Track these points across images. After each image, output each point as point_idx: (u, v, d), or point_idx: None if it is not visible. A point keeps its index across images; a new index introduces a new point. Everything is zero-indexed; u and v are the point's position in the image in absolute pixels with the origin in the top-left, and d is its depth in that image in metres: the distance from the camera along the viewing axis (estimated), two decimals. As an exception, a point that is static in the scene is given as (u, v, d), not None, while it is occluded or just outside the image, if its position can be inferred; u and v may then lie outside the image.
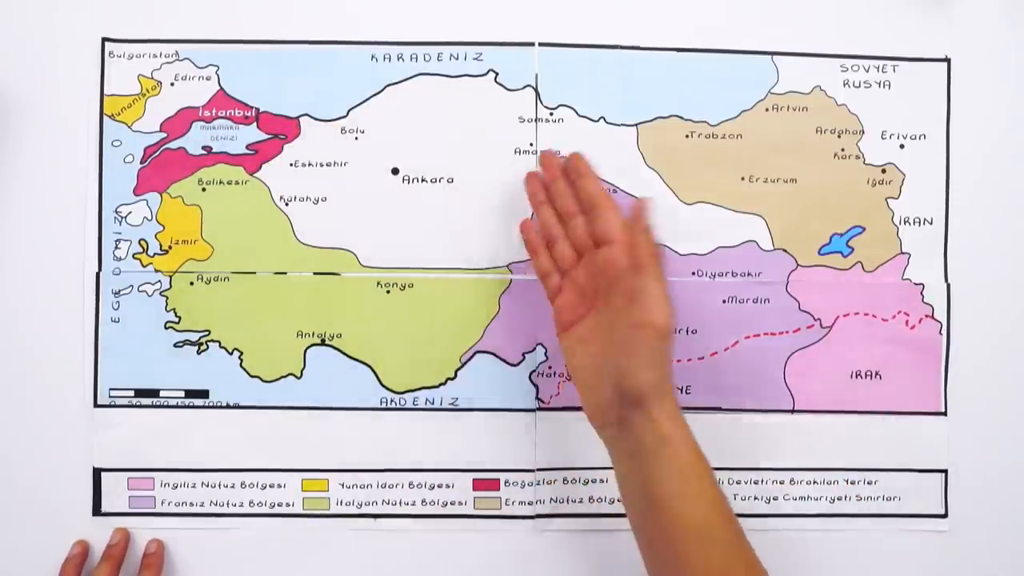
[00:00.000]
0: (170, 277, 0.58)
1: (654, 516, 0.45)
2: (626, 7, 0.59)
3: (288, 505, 0.58)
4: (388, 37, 0.58)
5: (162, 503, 0.58)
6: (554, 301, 0.52)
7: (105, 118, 0.58)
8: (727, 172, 0.59)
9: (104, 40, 0.58)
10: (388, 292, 0.58)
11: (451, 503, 0.58)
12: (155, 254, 0.58)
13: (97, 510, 0.58)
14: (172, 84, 0.58)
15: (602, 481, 0.58)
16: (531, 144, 0.58)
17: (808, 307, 0.58)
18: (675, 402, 0.47)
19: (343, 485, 0.58)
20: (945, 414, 0.59)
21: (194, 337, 0.58)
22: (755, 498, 0.58)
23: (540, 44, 0.58)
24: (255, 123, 0.58)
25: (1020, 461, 0.59)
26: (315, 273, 0.58)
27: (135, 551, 0.57)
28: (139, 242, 0.58)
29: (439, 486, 0.58)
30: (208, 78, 0.58)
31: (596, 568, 0.58)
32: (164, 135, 0.58)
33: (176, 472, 0.58)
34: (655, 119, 0.59)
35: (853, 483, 0.59)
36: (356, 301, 0.58)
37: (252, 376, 0.58)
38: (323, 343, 0.58)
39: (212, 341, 0.58)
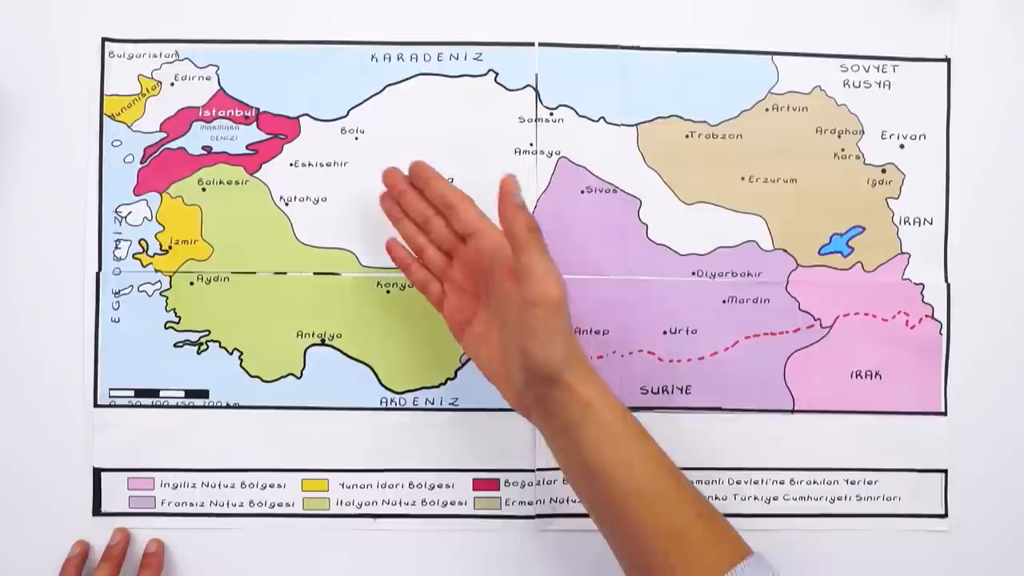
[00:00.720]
0: (170, 277, 0.58)
1: (596, 486, 0.44)
2: (626, 7, 0.59)
3: (288, 505, 0.58)
4: (388, 37, 0.58)
5: (162, 503, 0.58)
6: (441, 308, 0.52)
7: (105, 118, 0.58)
8: (727, 172, 0.59)
9: (104, 40, 0.58)
10: (388, 292, 0.58)
11: (451, 503, 0.58)
12: (155, 254, 0.58)
13: (97, 510, 0.58)
14: (172, 84, 0.58)
15: (602, 481, 0.58)
16: (531, 144, 0.58)
17: (808, 307, 0.58)
18: (590, 368, 0.46)
19: (343, 485, 0.58)
20: (945, 414, 0.59)
21: (194, 337, 0.58)
22: (755, 498, 0.58)
23: (540, 44, 0.58)
24: (255, 123, 0.58)
25: (1020, 461, 0.59)
26: (315, 273, 0.58)
27: (135, 551, 0.57)
28: (139, 242, 0.58)
29: (439, 486, 0.58)
30: (208, 78, 0.58)
31: (596, 568, 0.58)
32: (164, 135, 0.58)
33: (176, 472, 0.58)
34: (655, 119, 0.58)
35: (853, 483, 0.59)
36: (356, 301, 0.58)
37: (252, 376, 0.58)
38: (323, 343, 0.58)
39: (212, 341, 0.58)
